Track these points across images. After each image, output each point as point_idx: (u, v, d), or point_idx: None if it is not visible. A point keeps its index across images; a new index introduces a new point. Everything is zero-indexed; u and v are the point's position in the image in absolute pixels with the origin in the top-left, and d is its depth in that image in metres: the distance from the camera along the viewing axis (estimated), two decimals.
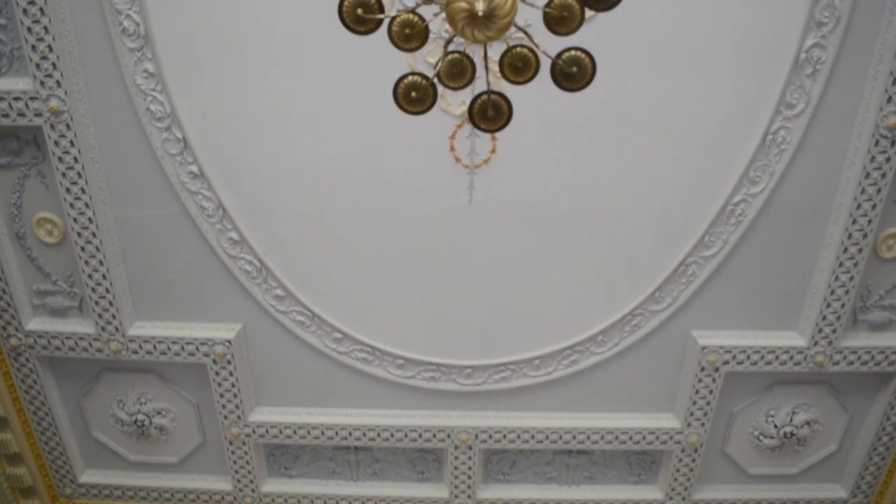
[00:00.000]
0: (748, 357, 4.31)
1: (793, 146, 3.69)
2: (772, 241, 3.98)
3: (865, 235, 3.91)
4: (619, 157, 3.73)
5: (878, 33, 3.42)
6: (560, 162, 3.75)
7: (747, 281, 4.10)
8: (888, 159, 3.68)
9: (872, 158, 3.68)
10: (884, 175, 3.73)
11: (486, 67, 2.44)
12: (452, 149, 3.71)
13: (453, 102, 3.57)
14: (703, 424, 4.59)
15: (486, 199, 3.85)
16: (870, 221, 3.86)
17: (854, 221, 3.86)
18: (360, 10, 2.22)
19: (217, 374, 4.44)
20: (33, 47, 3.47)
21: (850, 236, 3.91)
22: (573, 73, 2.24)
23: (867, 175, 3.73)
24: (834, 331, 4.22)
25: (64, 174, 3.80)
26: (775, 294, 4.18)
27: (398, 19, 2.27)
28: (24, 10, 3.37)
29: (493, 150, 3.72)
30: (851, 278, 4.04)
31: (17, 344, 4.40)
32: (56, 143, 3.72)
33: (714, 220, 3.89)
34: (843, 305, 4.13)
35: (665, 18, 3.36)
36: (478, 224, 3.93)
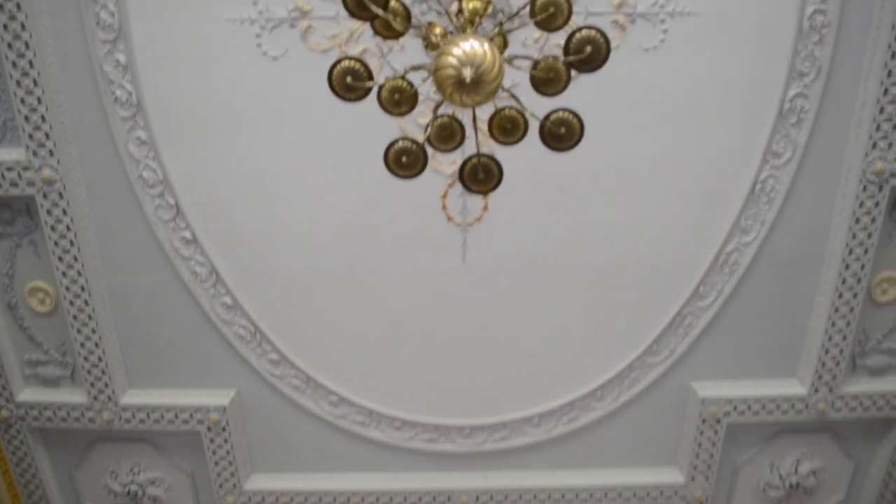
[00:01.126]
0: (749, 407, 4.26)
1: (782, 194, 3.71)
2: (766, 290, 3.97)
3: (859, 280, 3.91)
4: (610, 211, 3.75)
5: (858, 81, 3.48)
6: (552, 218, 3.76)
7: (744, 330, 4.08)
8: (877, 204, 3.71)
9: (861, 204, 3.71)
10: (874, 220, 3.75)
11: (476, 129, 2.48)
12: (444, 207, 3.72)
13: (444, 162, 3.60)
14: (707, 478, 4.51)
15: (480, 256, 3.85)
16: (863, 266, 3.86)
17: (847, 267, 3.87)
18: (349, 78, 2.26)
19: (212, 441, 4.36)
20: (26, 118, 3.49)
21: (843, 282, 3.91)
22: (561, 134, 2.28)
23: (857, 220, 3.75)
24: (834, 377, 4.18)
25: (56, 243, 3.79)
26: (773, 342, 4.16)
27: (387, 85, 2.31)
28: (18, 82, 3.41)
29: (486, 208, 3.73)
30: (848, 324, 4.02)
31: (7, 416, 4.32)
32: (48, 211, 3.72)
33: (708, 270, 3.89)
34: (841, 351, 4.11)
35: (650, 75, 3.42)
36: (472, 282, 3.91)
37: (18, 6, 3.25)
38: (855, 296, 3.95)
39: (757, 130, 3.57)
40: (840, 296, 3.95)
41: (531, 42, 3.27)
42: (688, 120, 3.53)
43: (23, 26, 3.29)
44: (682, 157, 3.62)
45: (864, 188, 3.67)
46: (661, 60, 3.39)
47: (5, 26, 3.29)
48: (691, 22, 3.33)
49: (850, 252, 3.83)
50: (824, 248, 3.89)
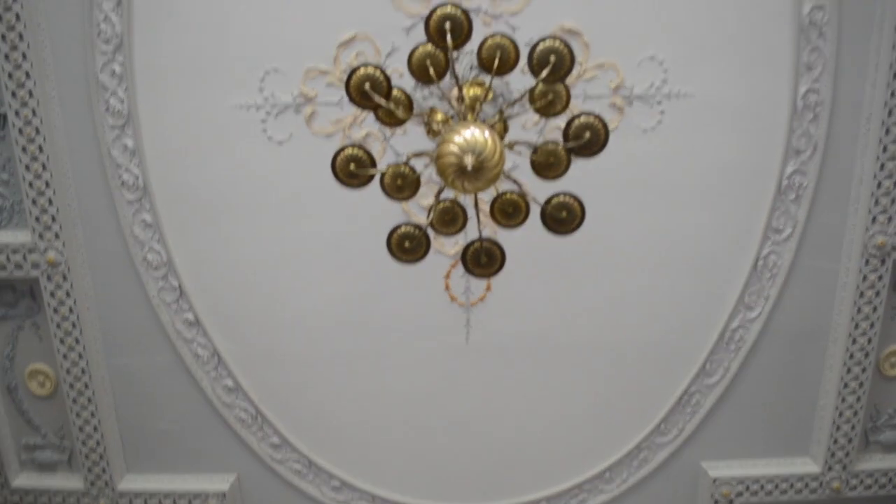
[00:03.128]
0: (762, 487, 4.16)
1: (784, 270, 3.72)
2: (774, 366, 3.93)
3: (867, 355, 3.87)
4: (614, 289, 3.75)
5: (855, 158, 3.53)
6: (556, 297, 3.76)
7: (753, 407, 4.02)
8: (880, 278, 3.71)
9: (865, 278, 3.71)
10: (878, 293, 3.75)
11: (478, 212, 2.50)
12: (447, 288, 3.73)
13: (447, 242, 3.61)
14: None
15: (484, 336, 3.82)
16: (869, 340, 3.84)
17: (854, 341, 3.84)
18: (352, 166, 2.30)
19: None
20: (34, 201, 3.53)
21: (851, 356, 3.87)
22: (563, 218, 2.30)
23: (861, 294, 3.74)
24: (847, 454, 4.10)
25: (59, 325, 3.79)
26: (783, 419, 4.09)
27: (390, 171, 2.35)
28: (27, 166, 3.47)
29: (489, 288, 3.73)
30: (858, 399, 3.97)
31: (1, 503, 4.22)
32: (52, 294, 3.72)
33: (713, 347, 3.86)
34: (853, 427, 4.04)
35: (649, 155, 3.47)
36: (476, 362, 3.88)
37: (31, 93, 3.34)
38: (864, 370, 3.91)
39: (756, 207, 3.60)
40: (848, 371, 3.90)
41: (531, 125, 3.34)
42: (688, 198, 3.57)
43: (34, 112, 3.37)
44: (683, 235, 3.64)
45: (867, 262, 3.68)
46: (659, 140, 3.44)
47: (17, 112, 3.37)
48: (687, 103, 3.40)
49: (857, 326, 3.81)
50: (829, 322, 3.87)
